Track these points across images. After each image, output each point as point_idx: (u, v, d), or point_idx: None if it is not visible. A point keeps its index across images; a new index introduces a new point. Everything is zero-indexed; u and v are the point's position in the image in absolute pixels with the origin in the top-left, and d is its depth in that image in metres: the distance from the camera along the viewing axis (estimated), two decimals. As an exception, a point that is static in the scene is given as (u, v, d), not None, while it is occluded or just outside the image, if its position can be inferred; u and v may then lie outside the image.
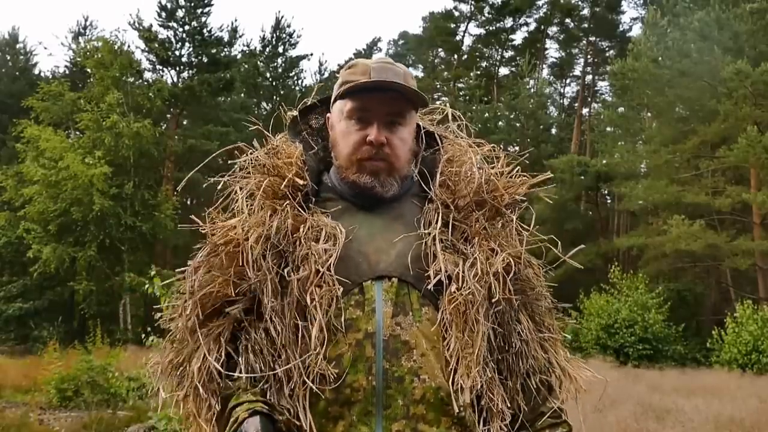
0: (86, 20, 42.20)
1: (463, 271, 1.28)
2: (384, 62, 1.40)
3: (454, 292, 1.27)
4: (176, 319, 1.35)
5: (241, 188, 1.39)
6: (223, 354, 1.28)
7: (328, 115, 1.46)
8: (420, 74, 36.99)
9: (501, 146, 1.50)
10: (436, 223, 1.34)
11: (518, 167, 1.45)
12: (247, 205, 1.35)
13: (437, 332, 1.28)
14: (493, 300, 1.28)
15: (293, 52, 32.96)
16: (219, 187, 1.42)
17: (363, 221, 1.36)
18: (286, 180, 1.36)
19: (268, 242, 1.28)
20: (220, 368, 1.26)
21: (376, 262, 1.32)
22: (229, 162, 1.44)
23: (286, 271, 1.27)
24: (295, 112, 1.50)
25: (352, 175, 1.37)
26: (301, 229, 1.30)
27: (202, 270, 1.32)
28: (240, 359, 1.28)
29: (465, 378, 1.23)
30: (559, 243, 1.43)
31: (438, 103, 1.61)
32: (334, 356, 1.24)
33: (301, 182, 1.36)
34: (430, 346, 1.27)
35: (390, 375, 1.24)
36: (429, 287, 1.29)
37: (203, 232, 1.37)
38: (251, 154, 1.43)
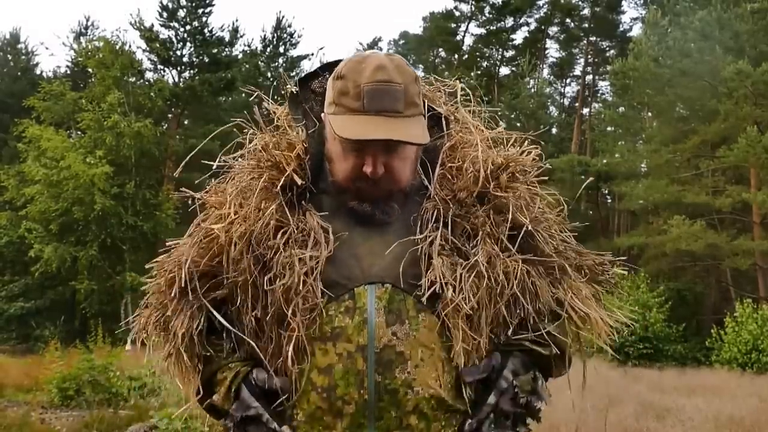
0: (87, 20, 42.30)
1: (462, 278, 1.23)
2: (380, 83, 1.22)
3: (453, 298, 1.21)
4: (158, 279, 1.34)
5: (232, 185, 1.33)
6: (204, 321, 1.28)
7: (323, 114, 1.34)
8: (420, 74, 36.84)
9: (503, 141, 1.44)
10: (435, 224, 1.27)
11: (525, 143, 1.39)
12: (236, 203, 1.29)
13: (435, 339, 1.23)
14: (496, 307, 1.24)
15: (294, 52, 32.93)
16: (215, 166, 1.39)
17: (358, 221, 1.29)
18: (283, 177, 1.29)
19: (250, 244, 1.24)
20: (202, 333, 1.29)
21: (369, 266, 1.25)
22: (224, 164, 1.40)
23: (267, 278, 1.23)
24: (295, 88, 1.39)
25: (350, 201, 1.28)
26: (283, 234, 1.25)
27: (193, 247, 1.30)
28: (227, 332, 1.29)
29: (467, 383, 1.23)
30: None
31: (453, 81, 1.50)
32: (324, 366, 1.21)
33: (299, 181, 1.29)
34: (427, 354, 1.22)
35: (382, 388, 1.20)
36: (423, 298, 1.23)
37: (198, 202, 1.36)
38: (253, 135, 1.38)
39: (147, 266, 1.39)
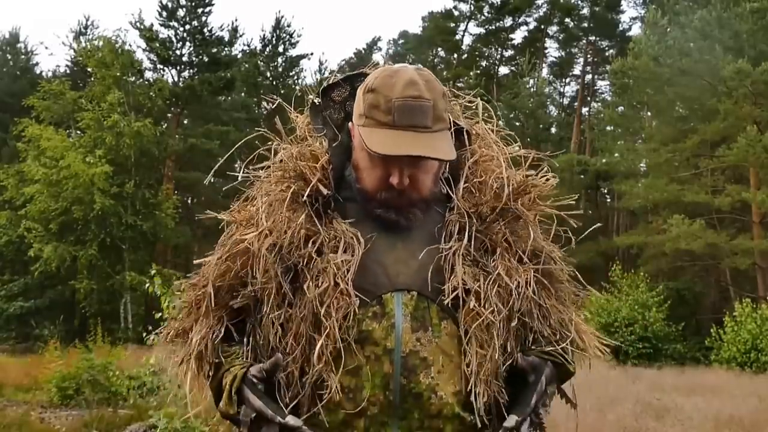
0: (87, 20, 42.33)
1: (485, 288, 1.26)
2: (410, 98, 1.24)
3: (475, 307, 1.25)
4: (189, 292, 1.38)
5: (260, 196, 1.35)
6: (222, 331, 1.32)
7: (350, 124, 1.36)
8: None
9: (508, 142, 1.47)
10: (459, 235, 1.31)
11: (544, 169, 1.43)
12: (265, 214, 1.30)
13: (456, 347, 1.27)
14: (513, 324, 1.28)
15: (293, 52, 33.03)
16: (241, 176, 1.41)
17: (383, 229, 1.32)
18: (309, 188, 1.30)
19: (280, 253, 1.27)
20: (217, 341, 1.32)
21: (396, 273, 1.29)
22: (245, 168, 1.41)
23: (305, 285, 1.25)
24: (317, 99, 1.42)
25: (375, 209, 1.31)
26: (315, 242, 1.28)
27: (221, 261, 1.33)
28: (245, 340, 1.33)
29: (483, 390, 1.25)
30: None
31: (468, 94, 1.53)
32: (351, 368, 1.24)
33: (324, 191, 1.31)
34: (447, 360, 1.27)
35: (407, 391, 1.24)
36: (447, 303, 1.26)
37: (222, 221, 1.39)
38: (277, 145, 1.40)
39: (176, 283, 1.44)
